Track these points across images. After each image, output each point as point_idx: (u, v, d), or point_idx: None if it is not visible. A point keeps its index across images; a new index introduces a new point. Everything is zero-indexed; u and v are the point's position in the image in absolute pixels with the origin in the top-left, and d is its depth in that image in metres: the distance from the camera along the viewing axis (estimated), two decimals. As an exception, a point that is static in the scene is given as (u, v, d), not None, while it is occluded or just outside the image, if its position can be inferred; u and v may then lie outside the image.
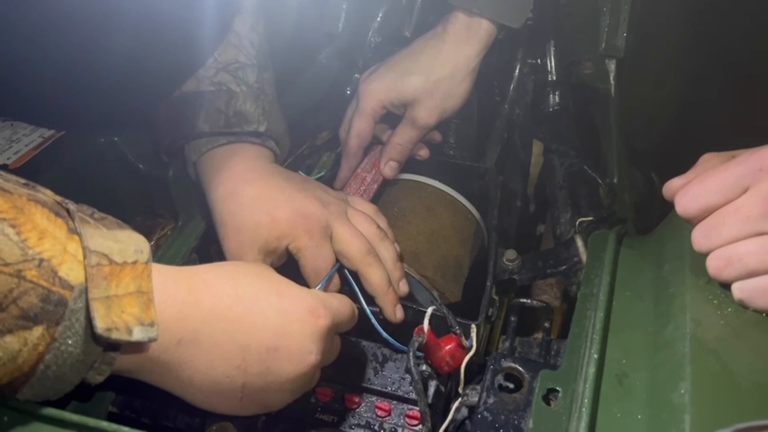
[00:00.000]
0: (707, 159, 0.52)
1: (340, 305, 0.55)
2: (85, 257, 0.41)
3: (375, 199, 0.79)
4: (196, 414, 0.55)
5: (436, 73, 0.77)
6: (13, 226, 0.39)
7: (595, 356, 0.46)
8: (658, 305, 0.49)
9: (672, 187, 0.51)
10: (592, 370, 0.45)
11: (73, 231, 0.42)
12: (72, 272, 0.40)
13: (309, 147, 0.84)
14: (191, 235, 0.68)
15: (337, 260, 0.65)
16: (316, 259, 0.64)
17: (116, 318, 0.41)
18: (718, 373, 0.41)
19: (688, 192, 0.49)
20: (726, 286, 0.46)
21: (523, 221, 0.88)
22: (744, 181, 0.45)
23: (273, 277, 0.54)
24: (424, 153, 0.82)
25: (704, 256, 0.47)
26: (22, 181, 0.43)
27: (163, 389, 0.50)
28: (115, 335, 0.41)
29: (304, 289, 0.54)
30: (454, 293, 0.74)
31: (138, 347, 0.44)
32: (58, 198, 0.44)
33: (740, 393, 0.40)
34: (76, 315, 0.40)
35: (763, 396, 0.39)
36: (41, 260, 0.39)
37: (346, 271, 0.66)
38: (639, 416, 0.42)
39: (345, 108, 0.84)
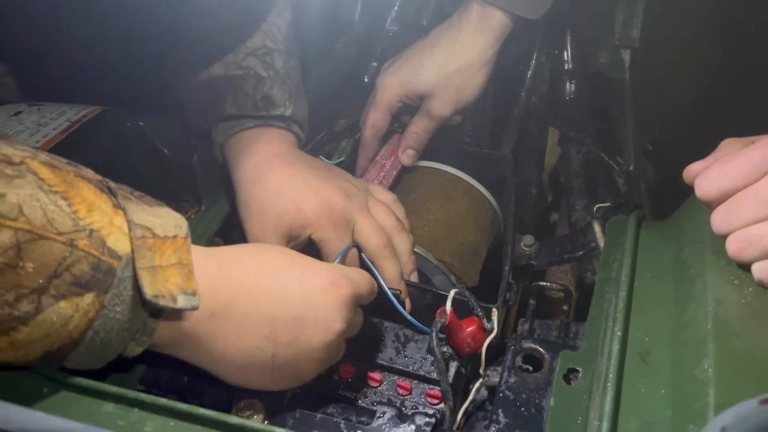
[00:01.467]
0: (727, 144, 0.53)
1: (360, 277, 0.58)
2: (130, 230, 0.43)
3: (394, 185, 0.81)
4: (222, 391, 0.57)
5: (450, 66, 0.78)
6: (64, 198, 0.41)
7: (619, 334, 0.47)
8: (680, 286, 0.50)
9: (692, 171, 0.52)
10: (616, 347, 0.46)
11: (117, 206, 0.44)
12: (119, 243, 0.42)
13: (327, 134, 0.85)
14: (214, 219, 0.69)
15: (350, 245, 0.68)
16: (337, 249, 0.66)
17: (161, 286, 0.43)
18: (740, 350, 0.43)
19: (708, 176, 0.50)
20: (746, 267, 0.47)
21: (537, 209, 0.89)
22: (763, 165, 0.46)
23: (294, 253, 0.56)
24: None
25: (724, 238, 0.48)
26: (65, 160, 0.44)
27: (196, 365, 0.51)
28: (162, 302, 0.43)
29: (324, 263, 0.56)
30: (472, 278, 0.75)
31: (178, 315, 0.46)
32: (99, 177, 0.46)
33: (763, 369, 0.41)
34: (123, 284, 0.42)
35: (785, 371, 0.40)
36: (91, 231, 0.41)
37: (363, 255, 0.67)
38: (663, 391, 0.43)
39: (362, 96, 0.85)
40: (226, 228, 0.70)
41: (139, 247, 0.43)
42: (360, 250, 0.68)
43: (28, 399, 0.43)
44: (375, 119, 0.82)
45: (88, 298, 0.41)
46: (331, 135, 0.85)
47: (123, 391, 0.44)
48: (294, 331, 0.51)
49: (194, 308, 0.45)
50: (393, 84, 0.81)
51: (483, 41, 0.78)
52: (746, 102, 0.77)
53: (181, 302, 0.44)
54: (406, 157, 0.82)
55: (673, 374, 0.43)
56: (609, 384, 0.44)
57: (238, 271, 0.51)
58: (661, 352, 0.46)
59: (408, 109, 0.82)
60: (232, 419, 0.42)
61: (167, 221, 0.46)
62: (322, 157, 0.78)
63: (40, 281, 0.39)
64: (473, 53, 0.78)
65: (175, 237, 0.46)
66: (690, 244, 0.53)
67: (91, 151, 0.67)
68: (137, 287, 0.42)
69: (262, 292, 0.51)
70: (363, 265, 0.67)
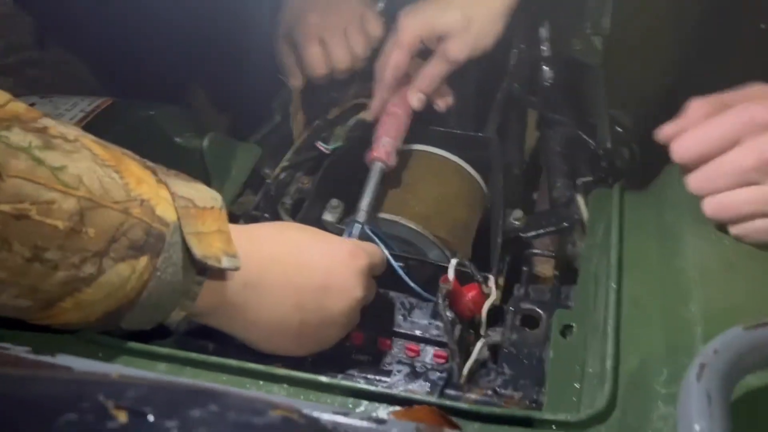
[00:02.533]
0: (696, 106, 0.56)
1: (374, 249, 0.64)
2: (174, 200, 0.48)
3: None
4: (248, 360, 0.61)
5: (473, 10, 0.79)
6: (116, 172, 0.45)
7: (614, 287, 0.53)
8: (664, 245, 0.56)
9: (665, 133, 0.56)
10: (612, 297, 0.52)
11: (159, 181, 0.48)
12: (166, 212, 0.47)
13: (322, 121, 0.89)
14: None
15: (356, 221, 0.72)
16: None
17: (206, 249, 0.48)
18: (720, 293, 0.49)
19: (684, 140, 0.55)
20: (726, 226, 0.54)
21: (519, 187, 0.95)
22: (737, 131, 0.52)
23: (313, 229, 0.61)
24: (442, 103, 0.85)
25: (700, 199, 0.55)
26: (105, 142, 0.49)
27: (230, 333, 0.56)
28: (209, 262, 0.48)
29: (341, 237, 0.63)
30: (465, 252, 0.80)
31: (220, 278, 0.50)
32: (138, 156, 0.50)
33: (740, 308, 0.48)
34: (173, 247, 0.46)
35: (762, 309, 0.46)
36: (142, 200, 0.46)
37: (369, 230, 0.72)
38: (656, 332, 0.49)
39: (352, 84, 0.89)
40: (233, 214, 0.74)
41: (183, 216, 0.48)
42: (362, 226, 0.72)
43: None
44: (398, 59, 0.80)
45: (143, 260, 0.45)
46: (324, 122, 0.90)
47: (174, 352, 0.48)
48: (319, 299, 0.56)
49: (236, 268, 0.50)
50: (415, 23, 0.80)
51: None
52: (713, 84, 0.84)
53: (225, 263, 0.49)
54: (417, 100, 0.81)
55: (663, 317, 0.50)
56: (609, 329, 0.49)
57: (267, 245, 0.55)
58: (651, 300, 0.52)
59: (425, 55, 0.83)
60: (279, 371, 0.47)
61: (204, 194, 0.51)
62: (320, 143, 0.82)
63: (101, 245, 0.43)
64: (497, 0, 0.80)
65: (212, 208, 0.51)
66: (670, 209, 0.59)
67: (106, 140, 0.70)
68: (186, 251, 0.47)
69: (291, 264, 0.55)
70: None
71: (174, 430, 0.29)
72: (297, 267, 0.56)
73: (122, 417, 0.30)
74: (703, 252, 0.52)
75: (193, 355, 0.48)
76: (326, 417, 0.33)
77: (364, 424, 0.33)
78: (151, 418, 0.30)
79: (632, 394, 0.45)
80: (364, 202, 0.74)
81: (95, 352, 0.48)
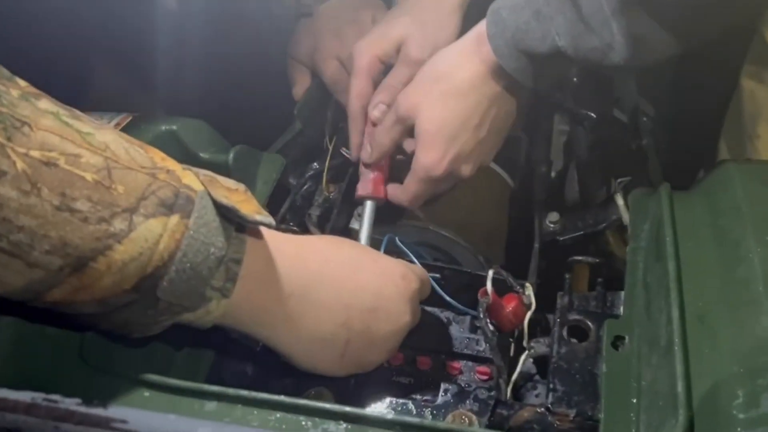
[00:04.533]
0: None
1: (422, 272, 0.62)
2: (198, 176, 0.48)
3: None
4: (287, 383, 0.59)
5: (422, 7, 0.78)
6: (141, 148, 0.46)
7: (677, 300, 0.50)
8: (723, 252, 0.54)
9: None
10: (675, 313, 0.50)
11: (184, 168, 0.48)
12: (193, 183, 0.46)
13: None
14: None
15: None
16: None
17: (237, 207, 0.47)
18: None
19: None
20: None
21: (546, 185, 0.93)
22: None
23: (368, 248, 0.60)
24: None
25: (761, 206, 0.52)
26: None
27: (271, 345, 0.54)
28: (241, 213, 0.47)
29: (393, 258, 0.60)
30: (498, 257, 0.79)
31: (260, 252, 0.50)
32: None
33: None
34: (204, 209, 0.45)
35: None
36: (168, 170, 0.45)
37: (398, 241, 0.70)
38: (726, 350, 0.47)
39: None
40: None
41: (209, 185, 0.47)
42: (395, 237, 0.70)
43: (134, 404, 0.45)
44: (358, 88, 0.77)
45: (174, 219, 0.44)
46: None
47: (223, 390, 0.46)
48: (367, 321, 0.54)
49: (270, 226, 0.49)
50: (367, 44, 0.78)
51: None
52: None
53: (259, 218, 0.48)
54: (377, 111, 0.76)
55: (733, 334, 0.47)
56: (676, 348, 0.47)
57: (317, 259, 0.54)
58: (717, 315, 0.49)
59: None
60: (335, 407, 0.45)
61: (227, 180, 0.50)
62: (345, 151, 0.80)
63: (131, 201, 0.42)
64: None
65: (237, 189, 0.50)
66: (725, 212, 0.57)
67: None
68: (217, 212, 0.46)
69: (341, 281, 0.54)
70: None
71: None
72: (347, 285, 0.55)
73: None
74: (769, 260, 0.50)
75: (244, 393, 0.46)
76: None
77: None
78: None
79: (708, 420, 0.43)
80: (362, 239, 0.73)
81: (141, 392, 0.46)
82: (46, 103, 0.42)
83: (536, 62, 0.65)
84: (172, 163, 0.47)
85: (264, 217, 0.49)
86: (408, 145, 0.75)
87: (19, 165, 0.38)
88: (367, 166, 0.77)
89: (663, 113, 1.02)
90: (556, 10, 0.61)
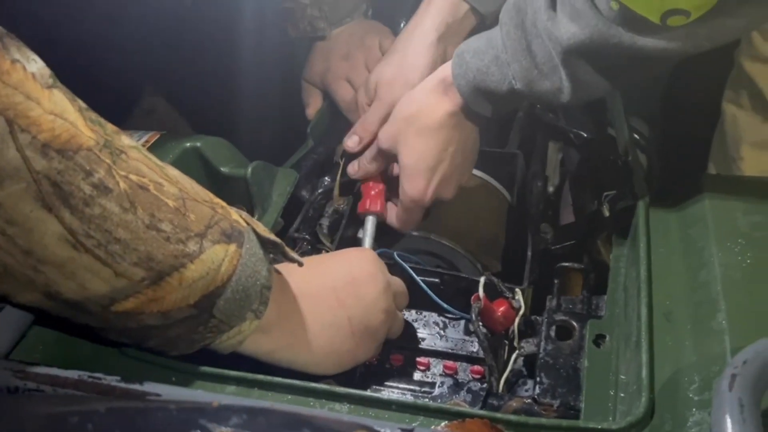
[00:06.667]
0: None
1: (401, 284, 0.69)
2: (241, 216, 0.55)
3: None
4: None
5: (396, 48, 0.87)
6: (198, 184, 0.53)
7: (645, 299, 0.57)
8: (690, 258, 0.60)
9: None
10: (644, 311, 0.56)
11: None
12: (239, 219, 0.53)
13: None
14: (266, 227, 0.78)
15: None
16: None
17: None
18: (747, 304, 0.53)
19: None
20: (746, 237, 0.57)
21: (542, 199, 0.99)
22: None
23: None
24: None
25: (723, 217, 0.59)
26: None
27: (293, 358, 0.58)
28: (285, 250, 0.55)
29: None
30: (494, 265, 0.84)
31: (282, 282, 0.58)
32: None
33: (766, 317, 0.51)
34: (252, 242, 0.53)
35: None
36: (222, 205, 0.53)
37: (396, 255, 0.76)
38: (686, 343, 0.53)
39: None
40: (278, 235, 0.79)
41: (251, 223, 0.55)
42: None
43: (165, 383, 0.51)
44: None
45: (232, 247, 0.51)
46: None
47: (242, 374, 0.52)
48: (353, 291, 0.61)
49: (300, 264, 0.57)
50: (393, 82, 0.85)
51: (427, 22, 0.85)
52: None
53: (295, 255, 0.56)
54: (351, 142, 0.85)
55: (693, 328, 0.53)
56: (643, 340, 0.53)
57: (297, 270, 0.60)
58: (681, 312, 0.55)
59: None
60: (341, 390, 0.51)
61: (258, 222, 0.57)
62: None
63: (201, 228, 0.49)
64: (417, 34, 0.85)
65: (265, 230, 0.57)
66: (694, 224, 0.63)
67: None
68: (261, 246, 0.54)
69: (315, 270, 0.61)
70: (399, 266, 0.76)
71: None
72: (322, 271, 0.62)
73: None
74: (728, 264, 0.56)
75: (261, 377, 0.52)
76: (395, 433, 0.37)
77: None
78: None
79: (668, 401, 0.49)
80: None
81: (169, 377, 0.52)
82: (126, 138, 0.49)
83: (495, 99, 0.74)
84: (221, 201, 0.54)
85: (295, 254, 0.57)
86: (396, 169, 0.83)
87: (122, 185, 0.45)
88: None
89: (656, 133, 1.08)
90: (512, 58, 0.69)
